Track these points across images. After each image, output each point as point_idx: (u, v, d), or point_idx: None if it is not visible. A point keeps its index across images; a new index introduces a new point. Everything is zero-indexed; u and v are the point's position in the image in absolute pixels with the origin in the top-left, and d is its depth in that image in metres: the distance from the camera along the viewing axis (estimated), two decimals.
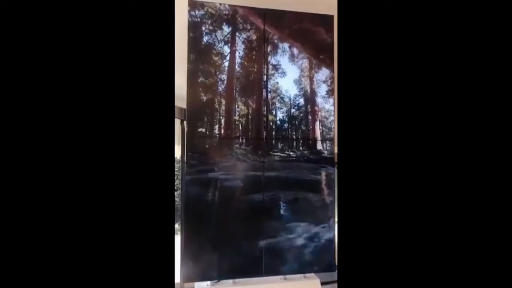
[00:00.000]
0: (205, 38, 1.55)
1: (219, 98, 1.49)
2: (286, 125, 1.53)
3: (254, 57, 1.62)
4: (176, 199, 1.48)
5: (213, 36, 1.59)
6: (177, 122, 1.68)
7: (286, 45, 1.64)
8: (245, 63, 1.60)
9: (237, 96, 1.52)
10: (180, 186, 1.62)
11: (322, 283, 1.28)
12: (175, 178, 1.53)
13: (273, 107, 1.54)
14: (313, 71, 1.62)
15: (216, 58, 1.55)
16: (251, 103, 1.52)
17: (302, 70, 1.62)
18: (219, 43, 1.58)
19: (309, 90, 1.60)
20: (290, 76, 1.60)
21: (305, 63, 1.62)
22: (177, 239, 1.41)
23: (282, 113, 1.55)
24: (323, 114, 1.55)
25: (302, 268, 1.28)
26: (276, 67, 1.62)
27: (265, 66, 1.59)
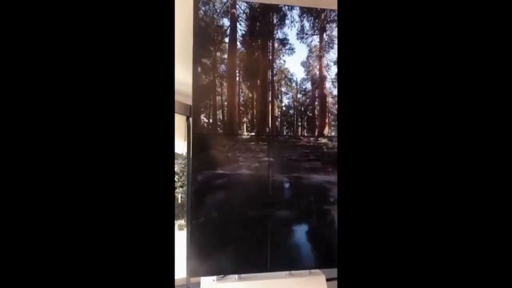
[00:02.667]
0: (202, 9, 1.37)
1: (220, 81, 1.37)
2: (292, 111, 1.43)
3: (258, 28, 1.45)
4: (182, 194, 1.46)
5: (211, 6, 1.40)
6: (183, 118, 1.58)
7: (295, 14, 1.45)
8: (248, 38, 1.43)
9: (240, 79, 1.39)
10: (186, 182, 1.59)
11: (328, 279, 1.33)
12: (182, 174, 1.49)
13: (278, 91, 1.42)
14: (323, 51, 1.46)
15: (215, 34, 1.38)
16: (255, 87, 1.40)
17: (311, 50, 1.46)
18: (217, 15, 1.40)
19: (317, 72, 1.46)
20: (298, 53, 1.44)
21: (315, 40, 1.45)
22: (183, 235, 1.43)
23: (288, 99, 1.43)
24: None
25: (308, 263, 1.31)
26: (283, 42, 1.46)
27: (271, 41, 1.43)
